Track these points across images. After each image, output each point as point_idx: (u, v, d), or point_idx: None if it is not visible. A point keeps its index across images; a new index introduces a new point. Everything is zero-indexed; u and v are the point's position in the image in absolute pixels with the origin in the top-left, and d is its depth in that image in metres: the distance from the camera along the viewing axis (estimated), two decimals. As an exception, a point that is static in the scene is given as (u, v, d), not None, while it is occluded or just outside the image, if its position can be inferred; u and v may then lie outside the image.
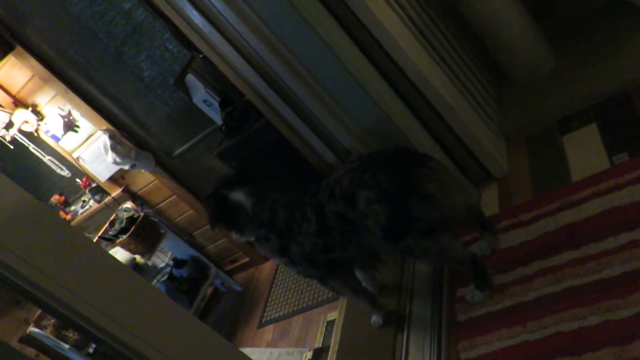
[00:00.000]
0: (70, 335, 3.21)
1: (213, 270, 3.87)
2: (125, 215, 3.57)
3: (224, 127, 2.51)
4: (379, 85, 2.16)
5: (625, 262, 1.64)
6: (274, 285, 3.71)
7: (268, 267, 3.95)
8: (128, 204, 3.66)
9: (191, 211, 3.78)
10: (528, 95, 2.58)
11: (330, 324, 2.73)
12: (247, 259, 4.04)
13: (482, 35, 2.61)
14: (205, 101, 2.68)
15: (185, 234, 3.95)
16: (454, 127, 2.26)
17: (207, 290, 3.91)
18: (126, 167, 3.39)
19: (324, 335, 2.73)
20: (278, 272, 3.78)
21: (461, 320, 1.92)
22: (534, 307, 1.74)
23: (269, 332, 3.39)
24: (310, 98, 2.21)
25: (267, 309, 3.57)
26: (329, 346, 2.46)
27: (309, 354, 2.67)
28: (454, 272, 2.11)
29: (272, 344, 3.25)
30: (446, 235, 1.79)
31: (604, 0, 2.51)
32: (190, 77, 2.63)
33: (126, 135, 3.39)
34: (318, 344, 2.73)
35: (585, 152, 2.12)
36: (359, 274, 2.24)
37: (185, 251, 3.87)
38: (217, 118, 2.71)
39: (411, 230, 1.73)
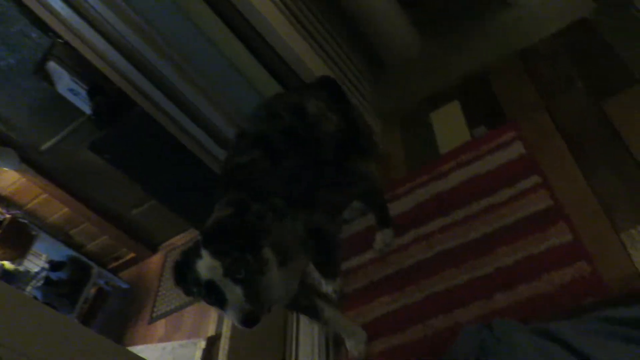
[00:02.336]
0: None
1: (95, 269, 3.66)
2: (-11, 218, 3.25)
3: (94, 117, 2.36)
4: (257, 72, 2.15)
5: (487, 224, 1.81)
6: (163, 279, 3.60)
7: (155, 261, 3.82)
8: (-9, 207, 3.33)
9: (66, 209, 3.53)
10: (399, 78, 2.74)
11: (223, 311, 2.72)
12: (132, 255, 3.88)
13: (356, 21, 2.71)
14: (71, 90, 2.49)
15: (61, 233, 3.69)
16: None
17: (90, 291, 3.69)
18: (-15, 167, 3.08)
19: (217, 322, 2.71)
20: (166, 265, 3.67)
21: (347, 292, 2.01)
22: (411, 273, 1.87)
23: (160, 327, 3.30)
24: (185, 84, 2.15)
25: (157, 304, 3.46)
26: (222, 333, 2.45)
27: (203, 344, 2.64)
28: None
29: (165, 338, 3.17)
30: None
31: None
32: (52, 65, 2.43)
33: (-18, 130, 3.07)
34: (211, 332, 2.71)
35: (449, 127, 2.30)
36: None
37: (62, 252, 3.62)
38: (87, 108, 2.54)
39: (357, 147, 1.81)
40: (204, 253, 1.29)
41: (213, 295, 1.28)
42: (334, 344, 1.94)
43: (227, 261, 1.28)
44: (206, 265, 1.28)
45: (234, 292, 1.26)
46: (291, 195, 1.55)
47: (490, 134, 2.10)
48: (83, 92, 2.50)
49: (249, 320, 1.26)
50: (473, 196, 1.92)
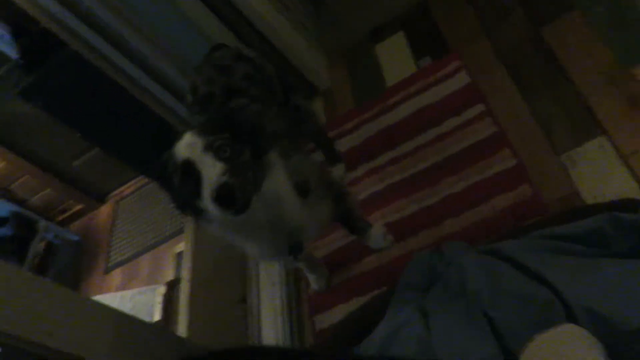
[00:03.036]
0: None
1: (42, 223, 3.54)
2: None
3: (21, 61, 2.19)
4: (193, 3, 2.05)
5: (434, 154, 1.87)
6: (115, 229, 3.54)
7: (106, 210, 3.73)
8: None
9: (2, 163, 3.34)
10: (342, 10, 2.67)
11: (180, 255, 2.71)
12: (80, 206, 3.76)
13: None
14: (-8, 34, 2.30)
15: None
16: (275, 44, 2.26)
17: (38, 246, 3.59)
18: None
19: (175, 267, 2.72)
20: (119, 214, 3.59)
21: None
22: (364, 206, 1.91)
23: (116, 276, 3.28)
24: (118, 21, 2.02)
25: (112, 254, 3.42)
26: (181, 277, 2.46)
27: (162, 289, 2.64)
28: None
29: (122, 287, 3.16)
30: None
31: None
32: (-34, 7, 2.22)
33: None
34: (170, 277, 2.72)
35: (395, 58, 2.29)
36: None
37: (3, 208, 3.47)
38: (12, 52, 2.36)
39: (291, 86, 1.77)
40: (186, 134, 1.09)
41: (189, 179, 1.05)
42: (294, 280, 1.99)
43: (211, 138, 1.05)
44: (184, 144, 1.07)
45: (213, 167, 1.02)
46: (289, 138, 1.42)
47: (435, 64, 2.11)
48: (6, 35, 2.31)
49: (222, 195, 0.99)
50: (421, 128, 1.96)
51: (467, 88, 1.94)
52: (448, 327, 1.19)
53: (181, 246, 2.76)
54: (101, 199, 3.79)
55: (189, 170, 1.05)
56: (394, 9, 2.44)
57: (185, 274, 2.39)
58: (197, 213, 1.13)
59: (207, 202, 1.03)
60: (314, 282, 1.86)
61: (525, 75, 1.84)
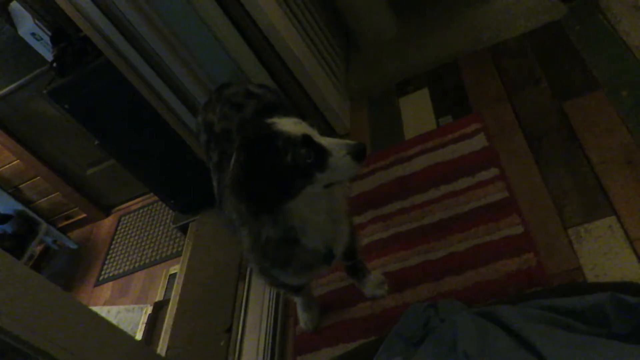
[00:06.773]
0: None
1: (43, 226, 3.55)
2: None
3: (55, 64, 2.26)
4: (231, 35, 2.11)
5: (443, 210, 1.85)
6: (114, 243, 3.53)
7: (107, 223, 3.73)
8: None
9: (17, 161, 3.39)
10: (372, 59, 2.74)
11: (172, 277, 2.69)
12: (83, 215, 3.77)
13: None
14: (33, 34, 2.38)
15: (9, 186, 3.54)
16: (303, 83, 2.31)
17: (36, 248, 3.58)
18: None
19: (166, 288, 2.68)
20: (119, 228, 3.59)
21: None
22: (366, 251, 1.88)
23: (107, 290, 3.24)
24: (159, 42, 2.09)
25: (106, 267, 3.39)
26: (170, 299, 2.42)
27: (150, 309, 2.60)
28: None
29: (111, 302, 3.12)
30: None
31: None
32: (15, 6, 2.31)
33: None
34: (159, 297, 2.68)
35: (417, 113, 2.32)
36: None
37: (9, 205, 3.49)
38: (48, 54, 2.43)
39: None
40: (277, 118, 1.16)
41: (310, 149, 1.11)
42: (282, 315, 1.95)
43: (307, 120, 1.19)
44: (291, 122, 1.15)
45: (324, 140, 1.13)
46: None
47: (455, 123, 2.13)
48: (46, 38, 2.39)
49: (362, 151, 1.13)
50: (433, 182, 1.96)
51: (484, 150, 1.95)
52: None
53: (175, 268, 2.74)
54: (106, 211, 3.80)
55: (309, 143, 1.12)
56: (422, 65, 2.49)
57: (175, 296, 2.36)
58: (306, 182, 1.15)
59: (342, 168, 1.13)
60: (303, 322, 1.81)
61: (544, 146, 1.84)
